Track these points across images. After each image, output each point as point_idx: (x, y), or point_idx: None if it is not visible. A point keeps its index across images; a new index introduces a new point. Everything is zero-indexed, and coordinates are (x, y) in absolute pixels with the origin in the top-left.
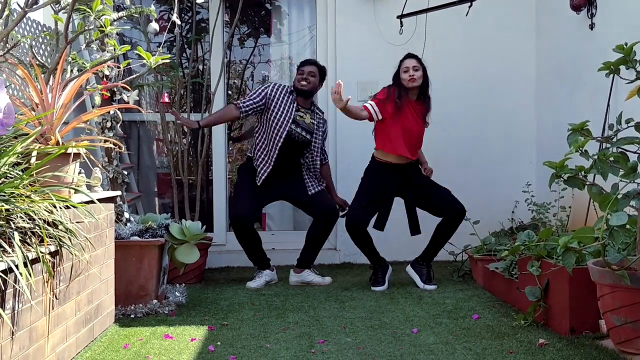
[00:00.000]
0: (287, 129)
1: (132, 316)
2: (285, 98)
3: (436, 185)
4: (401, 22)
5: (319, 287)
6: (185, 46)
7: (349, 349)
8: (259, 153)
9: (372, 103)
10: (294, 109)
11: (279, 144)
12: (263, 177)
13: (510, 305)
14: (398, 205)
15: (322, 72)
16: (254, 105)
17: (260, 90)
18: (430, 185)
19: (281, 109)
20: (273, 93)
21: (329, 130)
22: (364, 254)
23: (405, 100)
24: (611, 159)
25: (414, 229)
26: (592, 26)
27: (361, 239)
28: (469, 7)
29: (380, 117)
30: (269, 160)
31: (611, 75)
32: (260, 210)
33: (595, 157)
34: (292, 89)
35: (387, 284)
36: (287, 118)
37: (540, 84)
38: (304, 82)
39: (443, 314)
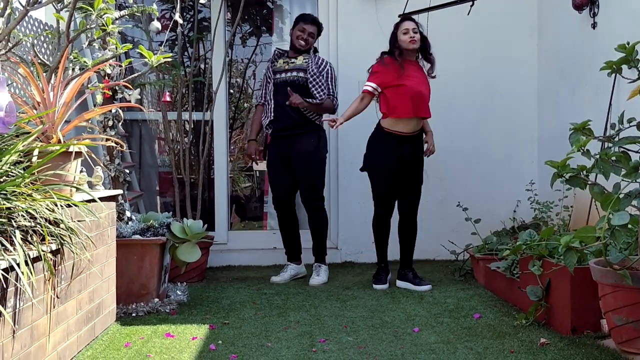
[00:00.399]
0: (275, 79)
1: (134, 315)
2: (275, 60)
3: (421, 172)
4: None
5: (319, 286)
6: (187, 45)
7: (350, 348)
8: (264, 116)
9: (370, 83)
10: (275, 63)
11: (272, 93)
12: (270, 128)
13: (512, 304)
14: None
15: (320, 31)
16: (266, 90)
17: (263, 77)
18: (419, 168)
19: (274, 69)
20: (268, 67)
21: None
22: (377, 247)
23: (406, 61)
24: (613, 158)
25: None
26: (594, 25)
27: (383, 230)
28: (471, 6)
29: (380, 90)
30: (269, 113)
31: (613, 75)
32: (294, 184)
33: (597, 156)
34: (279, 52)
35: (388, 285)
36: (275, 72)
37: (542, 83)
38: (302, 42)
39: (444, 313)
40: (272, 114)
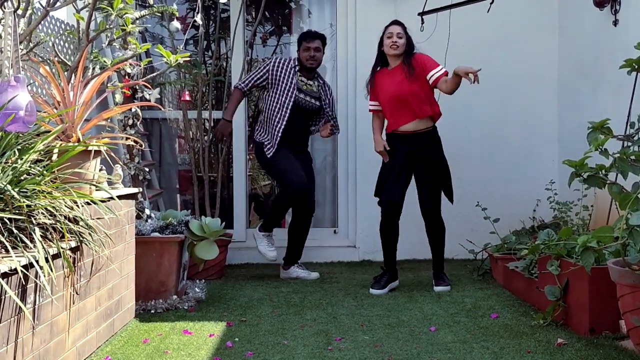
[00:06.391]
0: (293, 97)
1: (152, 311)
2: (288, 70)
3: (441, 170)
4: (422, 19)
5: (337, 284)
6: (211, 43)
7: (366, 347)
8: (265, 131)
9: (371, 102)
10: (298, 79)
11: (287, 114)
12: (273, 150)
13: (530, 304)
14: (412, 204)
15: (324, 43)
16: (256, 82)
17: (263, 67)
18: (437, 165)
19: (285, 80)
20: (276, 67)
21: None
22: (384, 250)
23: (383, 71)
24: (632, 157)
25: (424, 203)
26: (615, 22)
27: (390, 232)
28: (491, 3)
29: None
30: (277, 133)
31: (634, 73)
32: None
33: (617, 155)
34: (296, 63)
35: (387, 291)
36: (291, 87)
37: (562, 81)
38: (312, 62)
39: (461, 312)
40: (280, 134)
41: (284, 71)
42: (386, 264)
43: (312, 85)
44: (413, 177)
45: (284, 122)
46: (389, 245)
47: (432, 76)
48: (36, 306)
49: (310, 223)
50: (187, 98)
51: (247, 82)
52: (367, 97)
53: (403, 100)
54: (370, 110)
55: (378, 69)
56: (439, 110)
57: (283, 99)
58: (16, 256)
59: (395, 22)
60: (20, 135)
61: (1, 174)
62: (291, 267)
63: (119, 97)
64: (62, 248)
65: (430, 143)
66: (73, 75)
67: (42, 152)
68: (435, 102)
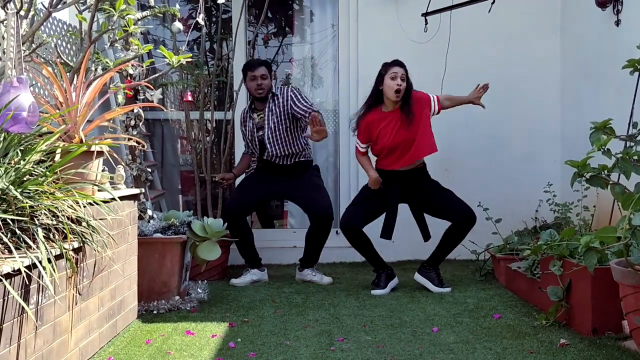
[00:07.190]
0: (256, 139)
1: (155, 312)
2: (245, 116)
3: (442, 188)
4: (426, 20)
5: (339, 285)
6: (214, 44)
7: (368, 347)
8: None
9: (362, 144)
10: (255, 119)
11: (257, 152)
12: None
13: (532, 305)
14: (401, 206)
15: (269, 68)
16: (246, 138)
17: (239, 126)
18: (436, 188)
19: (247, 127)
20: (241, 119)
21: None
22: (365, 257)
23: (377, 113)
24: (635, 157)
25: (425, 235)
26: (618, 23)
27: (357, 241)
28: (492, 3)
29: (369, 149)
30: (254, 164)
31: (636, 73)
32: (251, 205)
33: (619, 155)
34: (248, 105)
35: (389, 290)
36: (252, 132)
37: (565, 81)
38: (260, 90)
39: (464, 313)
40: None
41: (244, 119)
42: (375, 266)
43: (262, 115)
44: (419, 209)
45: (256, 163)
46: (366, 250)
47: (433, 106)
48: (39, 307)
49: (324, 231)
50: (189, 99)
51: (246, 144)
52: (354, 134)
53: (404, 147)
54: (360, 153)
55: (371, 109)
56: (435, 145)
57: (250, 143)
58: (19, 257)
59: (399, 64)
60: (23, 136)
61: (4, 175)
62: (305, 270)
63: (121, 98)
64: (64, 249)
65: (423, 179)
66: (75, 76)
67: (44, 153)
68: (432, 136)
